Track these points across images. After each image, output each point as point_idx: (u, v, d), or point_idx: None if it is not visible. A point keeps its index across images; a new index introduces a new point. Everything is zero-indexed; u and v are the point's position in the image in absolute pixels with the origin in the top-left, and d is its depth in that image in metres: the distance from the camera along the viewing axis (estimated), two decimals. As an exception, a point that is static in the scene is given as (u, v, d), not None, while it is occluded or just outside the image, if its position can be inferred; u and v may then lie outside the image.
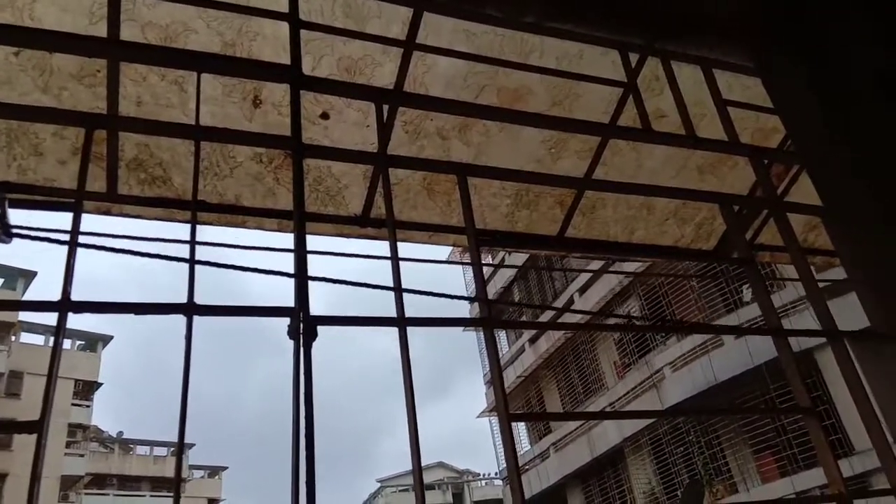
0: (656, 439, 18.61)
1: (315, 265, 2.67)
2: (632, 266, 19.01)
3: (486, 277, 3.34)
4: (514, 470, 2.13)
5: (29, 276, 30.79)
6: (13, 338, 30.73)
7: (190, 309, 2.08)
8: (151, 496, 42.06)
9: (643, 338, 19.20)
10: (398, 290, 2.64)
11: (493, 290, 26.51)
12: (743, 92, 3.86)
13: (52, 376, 1.88)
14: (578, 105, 3.66)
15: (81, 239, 2.44)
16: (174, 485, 2.12)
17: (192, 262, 2.24)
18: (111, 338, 37.42)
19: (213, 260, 2.33)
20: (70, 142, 3.21)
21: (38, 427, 1.81)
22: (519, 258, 25.69)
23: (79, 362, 35.01)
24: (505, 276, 26.52)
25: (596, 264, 21.25)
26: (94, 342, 36.73)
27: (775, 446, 15.21)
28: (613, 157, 3.89)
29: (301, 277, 2.14)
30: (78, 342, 36.18)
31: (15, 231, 2.58)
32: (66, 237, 2.13)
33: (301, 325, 2.23)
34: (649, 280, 18.76)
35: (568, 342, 23.06)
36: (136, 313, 2.06)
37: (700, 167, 4.11)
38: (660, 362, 17.92)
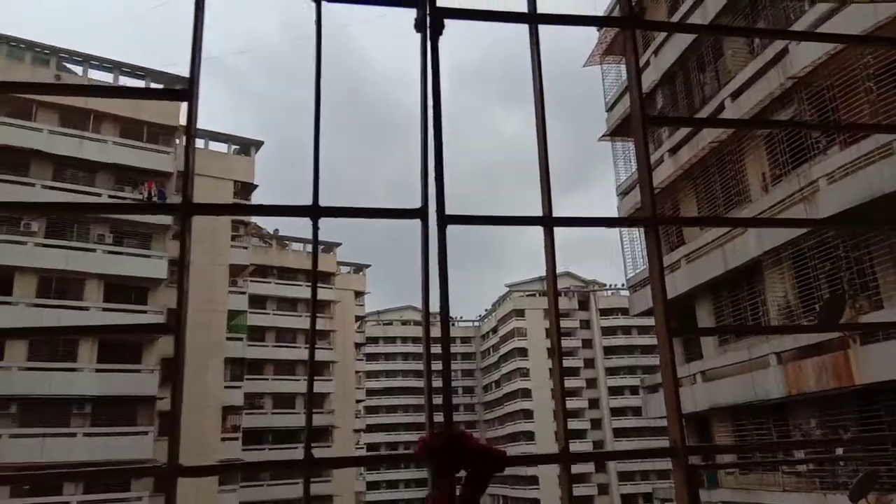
0: (799, 253, 17.70)
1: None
2: (795, 68, 16.93)
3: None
4: (650, 197, 2.02)
5: (258, 144, 34.02)
6: (177, 140, 33.68)
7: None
8: (306, 286, 47.37)
9: (800, 146, 17.52)
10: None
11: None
12: None
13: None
14: None
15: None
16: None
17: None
18: (262, 143, 40.06)
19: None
20: None
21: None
22: (666, 59, 23.71)
23: (235, 165, 38.17)
24: (648, 80, 24.65)
25: (752, 68, 19.11)
26: (248, 146, 39.58)
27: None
28: None
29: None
30: (233, 146, 39.15)
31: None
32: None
33: (427, 18, 2.14)
34: (815, 81, 16.65)
35: (713, 152, 21.63)
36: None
37: None
38: (817, 173, 16.40)
